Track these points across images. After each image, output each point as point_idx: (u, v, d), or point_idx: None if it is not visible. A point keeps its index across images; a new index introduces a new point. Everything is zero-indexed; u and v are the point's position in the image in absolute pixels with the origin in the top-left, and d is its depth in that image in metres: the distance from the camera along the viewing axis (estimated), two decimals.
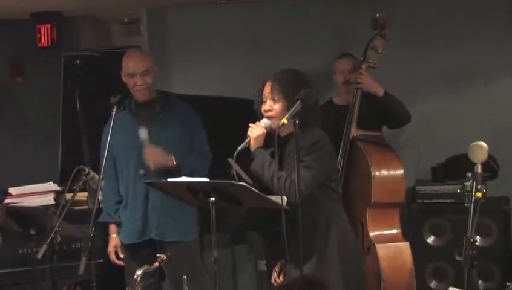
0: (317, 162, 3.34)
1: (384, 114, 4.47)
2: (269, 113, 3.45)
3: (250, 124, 3.47)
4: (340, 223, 3.49)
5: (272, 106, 3.45)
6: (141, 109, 4.01)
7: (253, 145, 3.43)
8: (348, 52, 4.81)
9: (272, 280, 3.56)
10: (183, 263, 3.88)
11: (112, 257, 4.04)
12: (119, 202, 4.05)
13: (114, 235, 4.05)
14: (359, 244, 3.97)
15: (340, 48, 4.99)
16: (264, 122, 3.46)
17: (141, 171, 3.96)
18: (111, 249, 4.05)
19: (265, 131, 3.44)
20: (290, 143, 3.40)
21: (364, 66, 4.49)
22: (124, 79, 4.02)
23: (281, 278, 3.50)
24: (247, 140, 3.44)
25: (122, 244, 4.04)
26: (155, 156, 3.87)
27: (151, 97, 4.03)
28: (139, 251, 3.98)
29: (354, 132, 4.44)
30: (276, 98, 3.44)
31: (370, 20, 4.47)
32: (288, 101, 3.39)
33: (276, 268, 3.51)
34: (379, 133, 4.56)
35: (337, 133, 4.46)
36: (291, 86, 3.42)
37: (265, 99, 3.47)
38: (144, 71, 3.96)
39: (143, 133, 3.89)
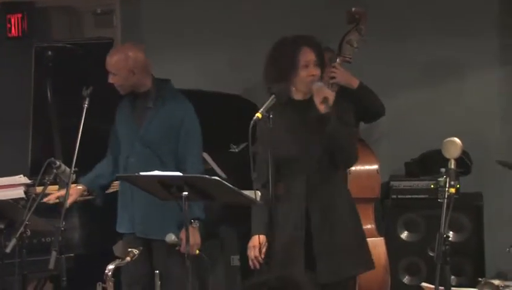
0: None
1: (358, 107, 4.45)
2: (315, 78, 3.60)
3: (326, 90, 3.55)
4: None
5: (316, 71, 3.62)
6: (137, 101, 4.04)
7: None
8: (326, 45, 4.79)
9: (253, 255, 3.58)
10: (168, 261, 3.83)
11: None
12: (100, 177, 4.09)
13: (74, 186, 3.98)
14: None
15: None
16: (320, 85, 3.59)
17: (126, 166, 3.99)
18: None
19: None
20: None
21: (338, 60, 4.46)
22: None
23: (262, 255, 3.58)
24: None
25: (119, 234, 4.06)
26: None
27: (144, 90, 4.01)
28: (134, 242, 3.87)
29: None
30: (318, 64, 3.63)
31: (345, 14, 4.45)
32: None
33: (261, 243, 3.54)
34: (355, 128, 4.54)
35: None
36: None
37: (307, 64, 3.60)
38: (110, 72, 3.98)
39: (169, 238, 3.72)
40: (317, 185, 3.54)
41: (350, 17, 4.45)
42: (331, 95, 3.52)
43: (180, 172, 3.63)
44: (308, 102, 3.61)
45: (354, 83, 4.40)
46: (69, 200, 3.81)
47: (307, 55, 3.62)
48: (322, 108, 3.49)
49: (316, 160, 3.55)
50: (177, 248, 3.68)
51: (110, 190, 4.59)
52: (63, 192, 3.90)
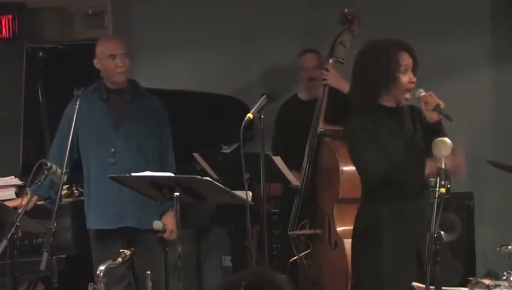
0: None
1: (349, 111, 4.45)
2: (413, 85, 3.36)
3: (436, 98, 3.29)
4: None
5: (415, 78, 3.37)
6: (112, 96, 3.98)
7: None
8: (314, 47, 4.81)
9: None
10: (152, 252, 3.87)
11: None
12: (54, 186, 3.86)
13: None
14: None
15: (310, 41, 4.98)
16: (428, 92, 3.33)
17: (111, 160, 3.93)
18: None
19: None
20: (409, 113, 3.41)
21: (331, 61, 4.48)
22: (100, 64, 3.95)
23: None
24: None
25: (90, 230, 3.99)
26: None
27: (124, 85, 3.99)
28: (111, 238, 3.92)
29: (321, 127, 4.43)
30: (414, 70, 3.37)
31: (339, 15, 4.46)
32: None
33: None
34: None
35: (302, 129, 4.46)
36: None
37: (405, 70, 3.34)
38: (123, 53, 3.94)
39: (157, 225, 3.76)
40: (421, 196, 3.35)
41: (343, 18, 4.47)
42: (442, 103, 3.28)
43: (162, 167, 3.70)
44: (401, 109, 3.40)
45: (346, 87, 4.38)
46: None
47: (407, 60, 3.35)
48: (434, 116, 3.29)
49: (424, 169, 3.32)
50: (159, 235, 3.75)
51: None
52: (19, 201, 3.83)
